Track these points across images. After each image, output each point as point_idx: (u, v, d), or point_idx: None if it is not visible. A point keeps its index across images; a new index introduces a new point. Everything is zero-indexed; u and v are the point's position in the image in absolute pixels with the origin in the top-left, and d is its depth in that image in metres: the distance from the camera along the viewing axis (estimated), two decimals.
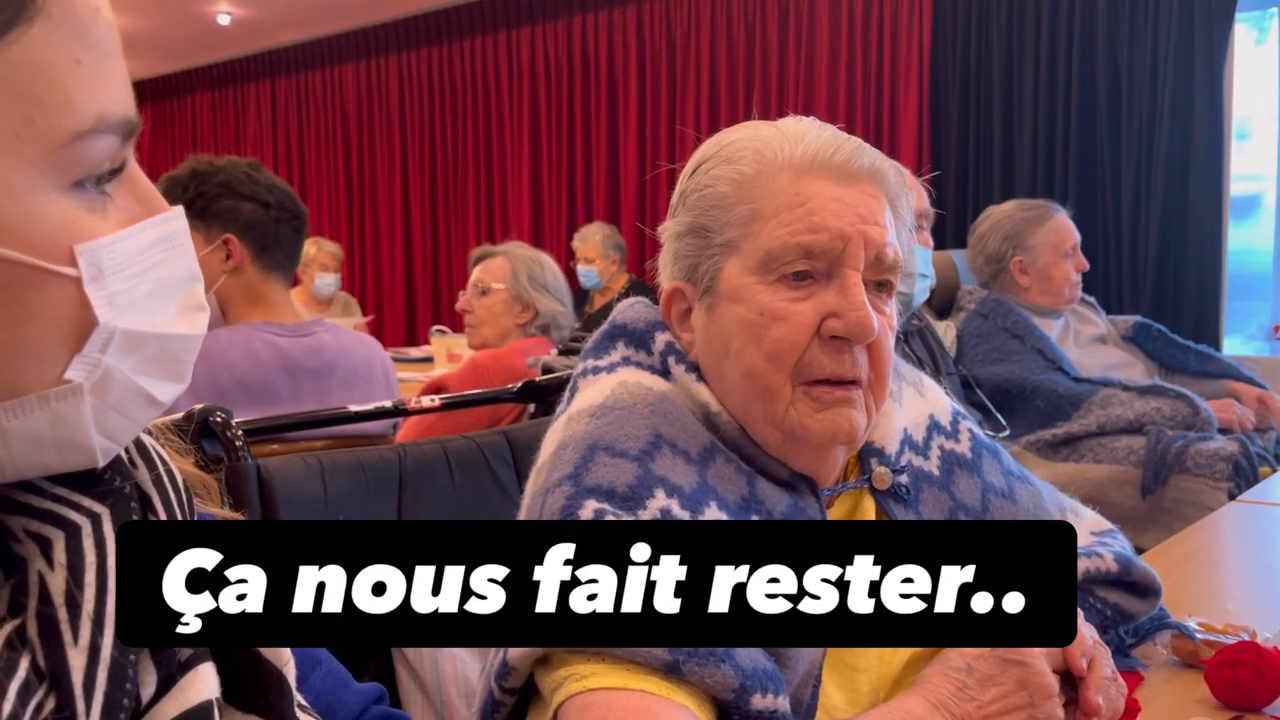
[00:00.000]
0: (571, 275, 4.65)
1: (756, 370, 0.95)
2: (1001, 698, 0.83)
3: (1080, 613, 0.97)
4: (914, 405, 1.12)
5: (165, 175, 2.01)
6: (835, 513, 1.04)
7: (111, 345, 0.51)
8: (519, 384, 1.75)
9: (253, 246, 1.99)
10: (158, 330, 0.53)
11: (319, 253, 5.28)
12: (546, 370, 2.01)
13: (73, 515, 0.54)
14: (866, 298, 0.94)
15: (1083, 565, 1.07)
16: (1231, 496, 2.22)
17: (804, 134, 0.98)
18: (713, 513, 0.90)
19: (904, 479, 1.04)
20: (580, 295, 5.06)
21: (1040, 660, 0.85)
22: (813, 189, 0.94)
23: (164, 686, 0.55)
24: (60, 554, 0.52)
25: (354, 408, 1.59)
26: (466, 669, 1.33)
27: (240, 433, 1.29)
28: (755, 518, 0.94)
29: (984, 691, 0.84)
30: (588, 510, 0.85)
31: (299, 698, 0.64)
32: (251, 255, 1.99)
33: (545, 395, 1.77)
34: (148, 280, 0.53)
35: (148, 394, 0.54)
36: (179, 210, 0.57)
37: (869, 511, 1.04)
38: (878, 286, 0.97)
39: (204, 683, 0.57)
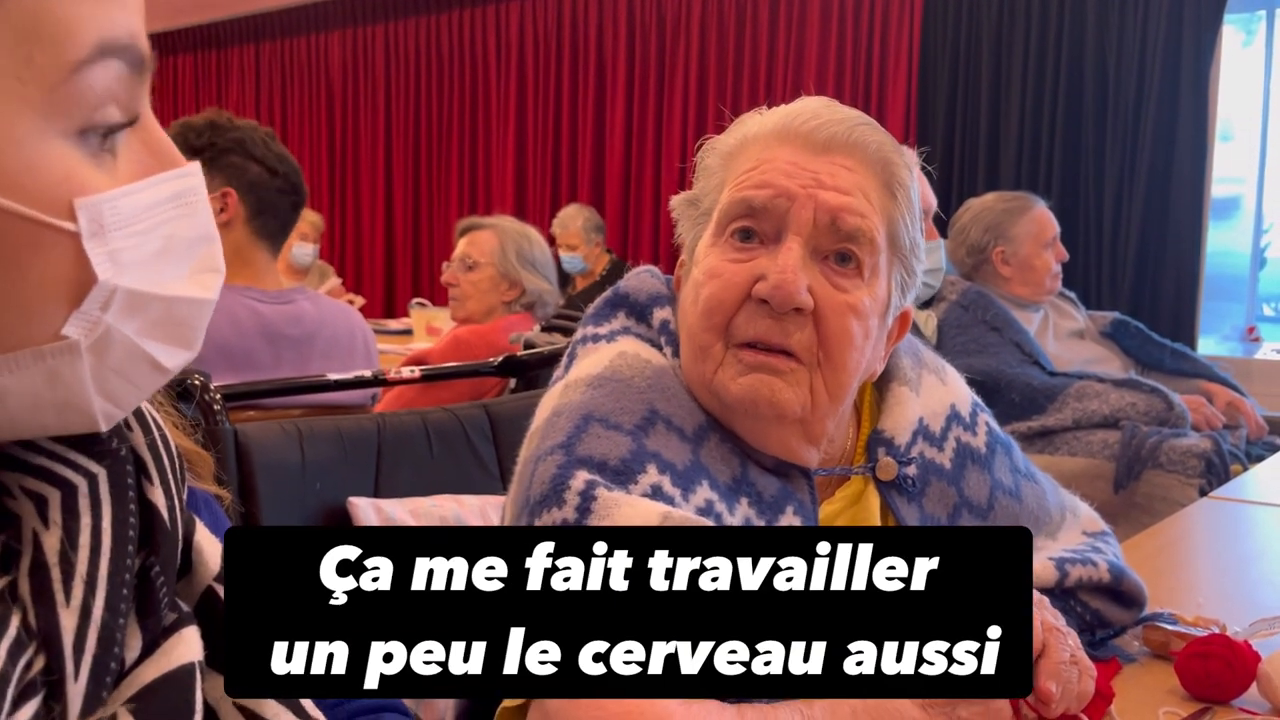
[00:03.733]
0: (554, 255, 4.63)
1: (694, 330, 0.95)
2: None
3: (1039, 597, 0.97)
4: (935, 394, 1.09)
5: (181, 120, 2.00)
6: (838, 502, 1.02)
7: (113, 304, 0.49)
8: (500, 358, 1.74)
9: (250, 207, 2.00)
10: (164, 292, 0.51)
11: (298, 221, 5.24)
12: (529, 346, 2.00)
13: (69, 474, 0.53)
14: (817, 269, 0.92)
15: (1076, 572, 1.06)
16: (1203, 493, 2.24)
17: (789, 107, 0.98)
18: (704, 492, 0.89)
19: (911, 471, 1.02)
20: (561, 276, 5.05)
21: None
22: (774, 154, 0.95)
23: (148, 649, 0.55)
24: (56, 513, 0.52)
25: (333, 376, 1.58)
26: None
27: (219, 396, 1.27)
28: (745, 500, 0.93)
29: None
30: (579, 481, 0.84)
31: None
32: (246, 215, 2.00)
33: (526, 370, 1.77)
34: (155, 238, 0.51)
35: (152, 359, 0.52)
36: (195, 166, 0.54)
37: (873, 502, 1.02)
38: (840, 260, 0.93)
39: (187, 645, 0.56)
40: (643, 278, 1.06)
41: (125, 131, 0.51)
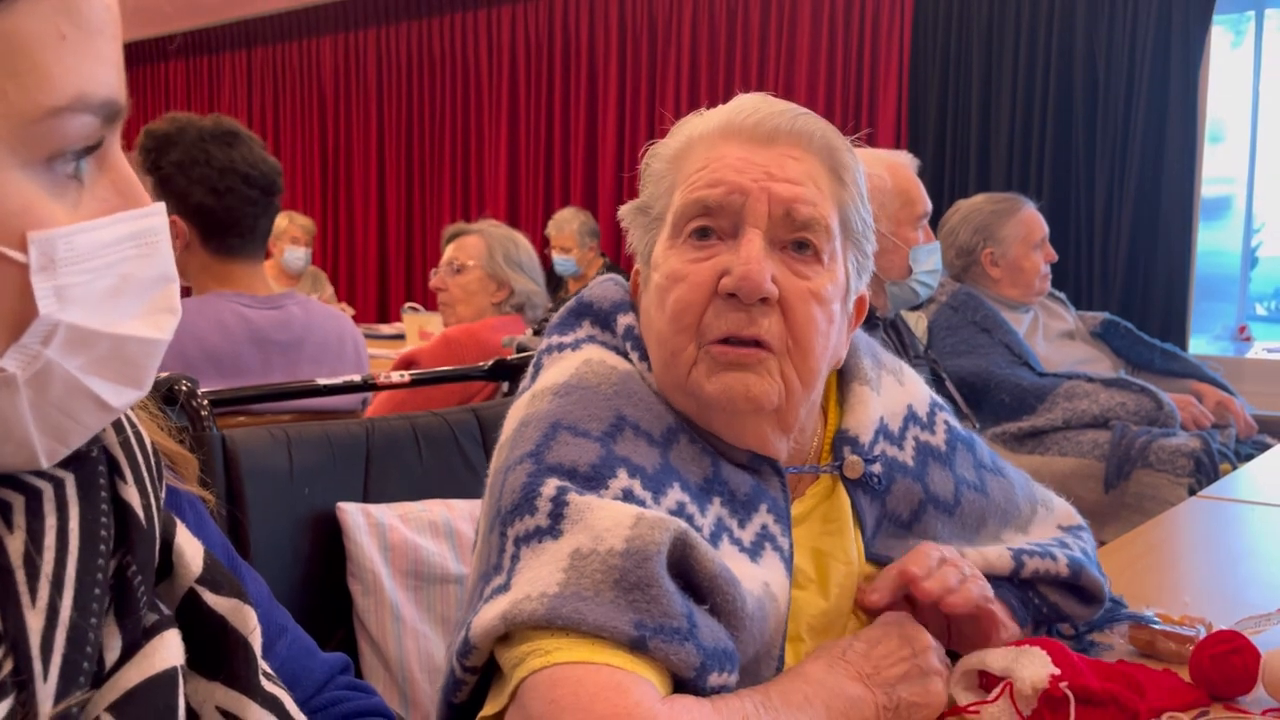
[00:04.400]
0: (546, 258, 4.63)
1: (664, 335, 0.95)
2: (891, 654, 0.90)
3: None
4: (893, 394, 1.11)
5: (147, 127, 1.95)
6: (809, 499, 1.04)
7: (55, 339, 0.48)
8: (490, 362, 1.74)
9: (200, 231, 1.94)
10: (112, 330, 0.51)
11: (290, 225, 5.23)
12: (521, 349, 2.00)
13: (34, 480, 0.53)
14: (778, 258, 0.94)
15: (1033, 564, 1.07)
16: (1192, 492, 2.25)
17: (729, 105, 1.00)
18: (675, 494, 0.90)
19: (876, 469, 1.04)
20: (553, 279, 5.04)
21: (911, 618, 0.94)
22: (721, 152, 0.96)
23: (128, 652, 0.55)
24: (20, 517, 0.52)
25: (322, 381, 1.58)
26: (430, 645, 1.33)
27: (206, 402, 1.27)
28: (718, 500, 0.94)
29: (874, 649, 0.90)
30: (549, 488, 0.85)
31: (264, 666, 0.63)
32: (201, 239, 1.94)
33: (516, 374, 1.76)
34: (110, 275, 0.51)
35: (97, 397, 0.52)
36: (159, 207, 0.54)
37: (843, 500, 1.04)
38: (797, 248, 0.95)
39: (169, 649, 0.56)
40: (606, 286, 1.07)
41: (93, 169, 0.52)
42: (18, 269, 0.47)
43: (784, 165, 0.95)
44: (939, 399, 1.17)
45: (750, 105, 0.98)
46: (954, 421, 1.16)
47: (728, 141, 0.96)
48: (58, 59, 0.48)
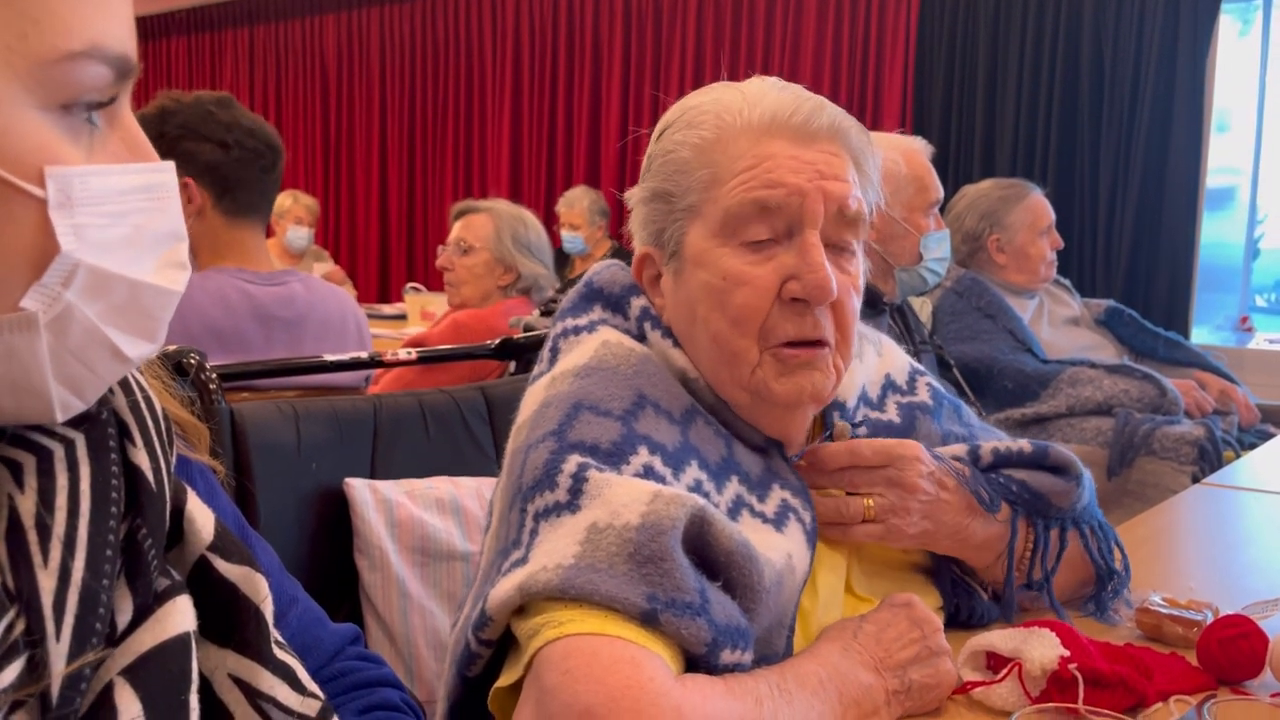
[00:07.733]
0: (555, 235, 4.62)
1: (722, 335, 0.96)
2: (901, 636, 0.91)
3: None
4: (872, 363, 1.15)
5: (137, 113, 1.95)
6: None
7: (75, 281, 0.49)
8: (496, 341, 1.74)
9: (213, 190, 1.93)
10: (129, 275, 0.51)
11: (294, 205, 5.22)
12: (528, 329, 2.00)
13: (45, 440, 0.53)
14: (829, 257, 0.95)
15: (990, 445, 1.09)
16: (1196, 479, 2.25)
17: (764, 95, 0.99)
18: (694, 472, 0.91)
19: (861, 432, 1.07)
20: (560, 258, 5.03)
21: (919, 600, 0.95)
22: (770, 150, 0.96)
23: (140, 615, 0.55)
24: (31, 477, 0.52)
25: (329, 357, 1.57)
26: (435, 621, 1.33)
27: (214, 376, 1.27)
28: (735, 478, 0.96)
29: (884, 633, 0.91)
30: (571, 464, 0.85)
31: (276, 635, 0.63)
32: (213, 199, 1.93)
33: (523, 353, 1.76)
34: (124, 224, 0.51)
35: (114, 346, 0.52)
36: (169, 165, 0.55)
37: None
38: (840, 242, 0.97)
39: (181, 615, 0.56)
40: (613, 270, 1.08)
41: (105, 125, 0.52)
42: (36, 205, 0.48)
43: (829, 162, 0.96)
44: (920, 367, 1.20)
45: (789, 102, 0.97)
46: (938, 385, 1.18)
47: (774, 139, 0.96)
48: (74, 9, 0.49)
